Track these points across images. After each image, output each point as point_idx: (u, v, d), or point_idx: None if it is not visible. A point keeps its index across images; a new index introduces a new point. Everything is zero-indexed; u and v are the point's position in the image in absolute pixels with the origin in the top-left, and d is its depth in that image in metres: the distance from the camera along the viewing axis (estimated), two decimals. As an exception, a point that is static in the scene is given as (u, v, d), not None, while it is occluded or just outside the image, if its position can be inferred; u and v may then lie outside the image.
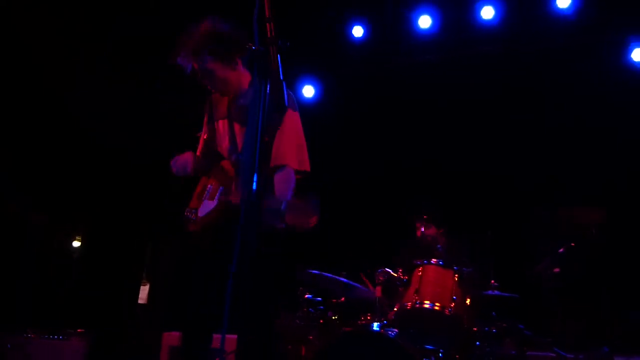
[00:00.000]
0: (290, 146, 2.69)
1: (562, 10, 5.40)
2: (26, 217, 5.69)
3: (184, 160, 2.83)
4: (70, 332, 4.39)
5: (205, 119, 3.01)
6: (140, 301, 6.09)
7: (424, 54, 6.14)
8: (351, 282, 4.23)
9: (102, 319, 5.62)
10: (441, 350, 3.77)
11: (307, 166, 2.76)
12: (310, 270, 4.21)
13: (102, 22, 5.42)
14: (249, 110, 2.64)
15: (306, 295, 4.40)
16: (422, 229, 4.43)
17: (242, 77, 2.86)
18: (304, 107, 6.54)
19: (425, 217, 4.46)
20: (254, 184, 2.04)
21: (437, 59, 6.11)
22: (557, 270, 4.13)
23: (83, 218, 6.16)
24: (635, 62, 5.39)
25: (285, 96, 2.05)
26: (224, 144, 2.86)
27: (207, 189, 2.83)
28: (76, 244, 6.35)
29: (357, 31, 6.05)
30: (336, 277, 4.22)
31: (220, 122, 2.90)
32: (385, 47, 6.17)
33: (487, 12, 5.60)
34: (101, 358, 4.33)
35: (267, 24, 2.19)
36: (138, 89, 5.79)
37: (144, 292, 6.23)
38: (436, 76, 6.01)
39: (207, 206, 2.80)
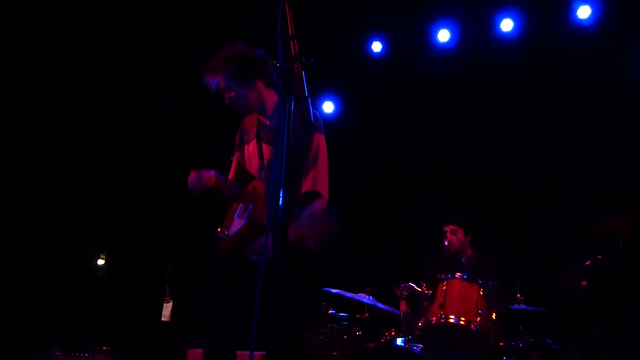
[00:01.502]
0: (325, 176, 2.71)
1: (582, 20, 5.38)
2: (26, 218, 5.71)
3: (202, 175, 2.83)
4: (97, 350, 4.43)
5: (237, 141, 3.05)
6: (164, 319, 6.12)
7: (442, 68, 6.15)
8: (372, 302, 4.21)
9: (127, 336, 5.64)
10: (467, 366, 3.73)
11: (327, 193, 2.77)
12: (330, 290, 4.21)
13: (102, 22, 5.42)
14: (276, 129, 2.66)
15: (330, 311, 4.39)
16: (449, 236, 4.41)
17: (265, 97, 2.90)
18: (324, 122, 6.59)
19: (453, 223, 4.46)
20: (281, 200, 2.06)
21: (456, 72, 6.11)
22: (584, 283, 4.05)
23: (106, 234, 6.20)
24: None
25: (312, 113, 2.07)
26: (253, 164, 2.90)
27: (239, 207, 2.86)
28: (101, 261, 6.42)
29: (376, 46, 6.09)
30: (356, 296, 4.21)
31: (251, 144, 2.95)
32: (403, 61, 6.19)
33: (507, 25, 5.60)
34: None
35: (291, 42, 2.22)
36: (138, 89, 5.81)
37: (167, 309, 6.27)
38: (455, 90, 6.00)
39: (237, 224, 2.83)
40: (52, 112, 5.65)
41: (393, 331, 4.10)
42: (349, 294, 4.23)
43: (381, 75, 6.32)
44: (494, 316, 3.88)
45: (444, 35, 5.82)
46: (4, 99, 5.22)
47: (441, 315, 3.76)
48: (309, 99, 2.05)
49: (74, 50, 5.47)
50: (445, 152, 6.00)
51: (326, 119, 6.48)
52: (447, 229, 4.56)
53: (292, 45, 2.22)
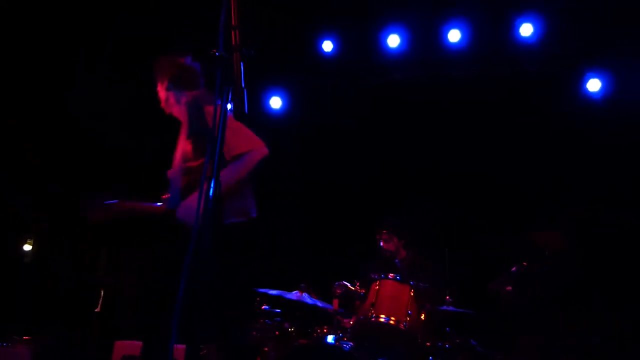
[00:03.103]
0: (238, 134, 2.75)
1: (525, 38, 5.60)
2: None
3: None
4: (16, 339, 4.24)
5: None
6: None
7: (392, 72, 6.25)
8: (305, 299, 4.22)
9: (50, 326, 5.46)
10: (395, 365, 3.80)
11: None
12: (267, 291, 4.21)
13: (102, 22, 5.42)
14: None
15: (263, 307, 4.37)
16: (382, 243, 4.47)
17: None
18: (271, 117, 6.59)
19: (386, 229, 4.52)
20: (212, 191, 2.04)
21: (405, 78, 6.22)
22: (509, 288, 4.22)
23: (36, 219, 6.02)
24: (590, 92, 5.61)
25: (246, 104, 2.06)
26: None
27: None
28: (27, 247, 6.17)
29: (327, 46, 6.12)
30: (290, 295, 4.21)
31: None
32: (354, 63, 6.25)
33: (454, 35, 5.75)
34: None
35: (233, 31, 2.21)
36: (138, 89, 5.71)
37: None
38: (404, 95, 6.12)
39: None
40: (52, 112, 5.61)
41: (325, 328, 4.13)
42: (283, 293, 4.22)
43: (331, 75, 6.34)
44: (423, 317, 3.98)
45: (393, 41, 5.91)
46: (4, 99, 5.18)
47: (372, 314, 3.83)
48: (245, 90, 2.05)
49: (74, 50, 5.45)
50: (389, 153, 6.09)
51: (273, 114, 6.53)
52: (379, 237, 4.61)
53: (233, 35, 2.21)
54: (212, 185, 2.03)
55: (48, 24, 5.24)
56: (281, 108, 6.57)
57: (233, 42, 2.21)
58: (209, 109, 2.69)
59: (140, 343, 4.24)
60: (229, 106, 2.11)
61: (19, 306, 5.68)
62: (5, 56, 5.10)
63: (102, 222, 2.93)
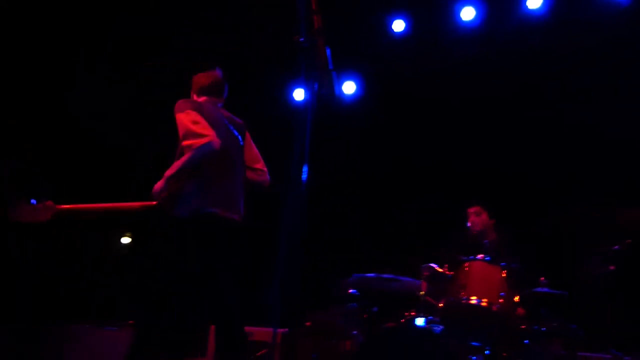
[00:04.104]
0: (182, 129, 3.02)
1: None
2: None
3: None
4: (124, 324, 4.52)
5: None
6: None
7: (466, 48, 6.01)
8: (395, 276, 4.20)
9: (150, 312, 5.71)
10: (487, 348, 3.70)
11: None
12: (365, 274, 4.22)
13: (102, 22, 5.40)
14: None
15: (350, 290, 4.39)
16: (473, 218, 4.35)
17: None
18: (344, 103, 6.54)
19: (478, 205, 4.40)
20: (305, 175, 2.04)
21: (479, 54, 5.96)
22: (612, 267, 3.96)
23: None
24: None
25: (336, 86, 2.04)
26: None
27: None
28: (125, 239, 6.49)
29: (398, 25, 5.97)
30: (379, 275, 4.20)
31: None
32: (426, 41, 6.06)
33: (533, 2, 5.43)
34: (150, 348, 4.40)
35: (314, 16, 2.18)
36: (138, 89, 5.78)
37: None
38: (478, 71, 5.87)
39: None
40: (52, 112, 5.60)
41: (413, 312, 4.08)
42: (369, 275, 4.22)
43: (402, 56, 6.19)
44: (516, 299, 3.84)
45: (468, 13, 5.67)
46: (4, 99, 5.18)
47: (462, 296, 3.74)
48: (334, 72, 2.02)
49: (74, 50, 5.45)
50: (468, 135, 5.89)
51: (346, 99, 6.47)
52: (472, 210, 4.51)
53: (315, 20, 2.19)
54: (304, 171, 2.04)
55: (48, 24, 5.21)
56: (355, 93, 6.52)
57: (315, 27, 2.18)
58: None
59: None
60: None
61: (112, 293, 5.95)
62: (5, 56, 5.06)
63: (33, 221, 3.01)
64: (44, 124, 5.56)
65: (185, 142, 2.90)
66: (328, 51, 2.07)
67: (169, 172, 2.92)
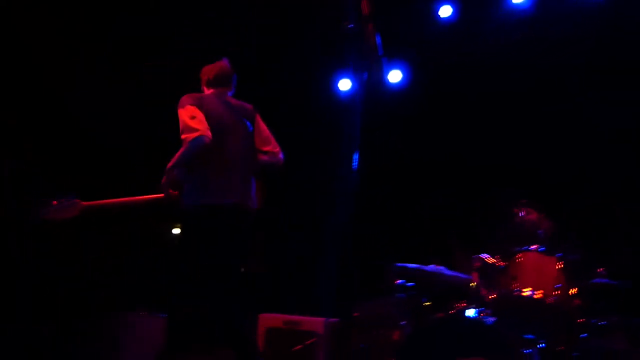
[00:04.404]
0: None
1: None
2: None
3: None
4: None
5: None
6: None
7: (515, 32, 5.79)
8: (444, 267, 4.12)
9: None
10: (542, 341, 3.58)
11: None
12: (406, 265, 4.16)
13: (102, 22, 5.42)
14: None
15: (397, 281, 4.34)
16: (522, 214, 4.21)
17: None
18: (389, 91, 6.43)
19: (523, 201, 4.24)
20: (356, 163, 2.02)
21: (529, 37, 5.73)
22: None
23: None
24: None
25: (385, 72, 1.99)
26: None
27: None
28: (176, 230, 6.61)
29: (445, 10, 5.81)
30: (427, 266, 4.13)
31: None
32: (473, 28, 5.87)
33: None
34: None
35: (364, 1, 2.15)
36: (138, 88, 5.76)
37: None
38: (527, 58, 5.64)
39: None
40: (51, 112, 5.64)
41: (463, 303, 4.00)
42: (419, 266, 4.16)
43: (449, 42, 6.01)
44: (573, 291, 3.70)
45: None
46: (4, 99, 5.23)
47: (516, 287, 3.64)
48: (384, 58, 1.98)
49: (74, 50, 5.49)
50: (513, 127, 5.68)
51: (392, 87, 6.36)
52: (518, 210, 4.34)
53: (364, 4, 2.15)
54: (354, 160, 2.02)
55: (48, 23, 5.24)
56: (401, 81, 6.40)
57: (365, 12, 2.14)
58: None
59: (282, 315, 4.46)
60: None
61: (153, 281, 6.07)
62: (5, 56, 5.10)
63: (61, 219, 3.19)
64: (43, 124, 5.60)
65: (182, 136, 3.13)
66: (378, 37, 2.03)
67: (168, 165, 3.12)
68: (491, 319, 3.66)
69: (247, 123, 3.40)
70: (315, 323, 4.30)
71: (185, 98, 3.25)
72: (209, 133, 3.10)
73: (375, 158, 5.64)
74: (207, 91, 3.51)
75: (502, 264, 3.84)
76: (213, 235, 3.10)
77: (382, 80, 2.05)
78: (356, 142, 1.98)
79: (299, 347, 4.22)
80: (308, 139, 6.19)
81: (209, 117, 3.18)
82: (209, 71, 3.53)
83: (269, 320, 4.47)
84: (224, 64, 3.54)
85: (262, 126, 3.50)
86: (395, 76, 6.32)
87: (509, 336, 3.44)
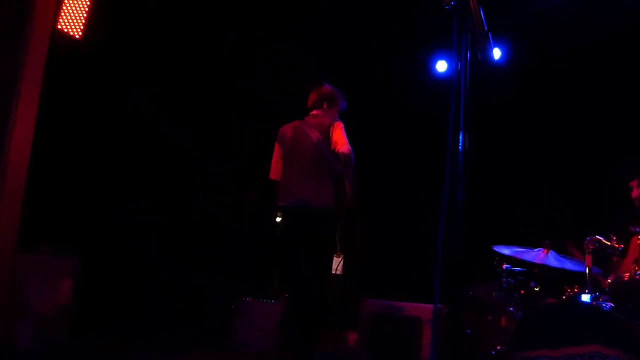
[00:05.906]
0: None
1: None
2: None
3: None
4: (282, 297, 4.86)
5: None
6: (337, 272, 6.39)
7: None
8: (555, 257, 3.94)
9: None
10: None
11: None
12: (501, 250, 4.05)
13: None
14: None
15: (504, 266, 4.22)
16: (636, 190, 3.93)
17: None
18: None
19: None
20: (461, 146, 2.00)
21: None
22: None
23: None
24: None
25: (491, 48, 1.96)
26: None
27: None
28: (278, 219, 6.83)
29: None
30: (536, 249, 3.98)
31: None
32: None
33: None
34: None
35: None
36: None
37: (336, 263, 6.54)
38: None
39: None
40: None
41: (576, 288, 3.82)
42: (527, 250, 4.01)
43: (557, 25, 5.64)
44: None
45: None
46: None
47: (636, 271, 3.41)
48: (490, 34, 1.94)
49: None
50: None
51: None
52: (635, 184, 4.07)
53: (466, -19, 2.11)
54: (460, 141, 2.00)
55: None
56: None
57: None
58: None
59: (385, 301, 4.50)
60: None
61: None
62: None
63: None
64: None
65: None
66: (482, 12, 1.99)
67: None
68: (608, 305, 3.47)
69: (314, 135, 3.80)
70: (420, 309, 4.30)
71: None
72: (274, 175, 4.04)
73: (484, 139, 5.50)
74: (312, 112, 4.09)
75: (619, 246, 3.61)
76: (283, 229, 3.96)
77: (490, 57, 2.00)
78: (462, 123, 1.97)
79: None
80: (410, 121, 6.20)
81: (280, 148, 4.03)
82: (310, 95, 4.12)
83: (372, 306, 4.53)
84: (322, 88, 4.08)
85: (332, 133, 3.82)
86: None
87: (631, 323, 3.24)
